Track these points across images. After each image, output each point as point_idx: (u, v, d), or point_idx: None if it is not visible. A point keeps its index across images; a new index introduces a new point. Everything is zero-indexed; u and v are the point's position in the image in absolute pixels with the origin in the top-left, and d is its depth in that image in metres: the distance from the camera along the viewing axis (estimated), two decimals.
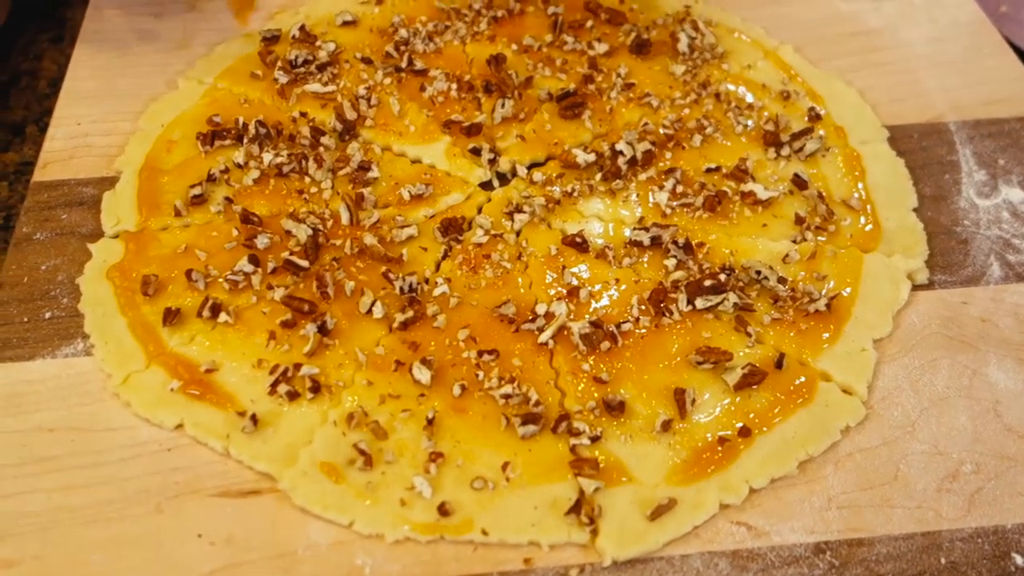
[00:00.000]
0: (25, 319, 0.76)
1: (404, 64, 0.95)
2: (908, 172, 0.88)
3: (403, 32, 0.99)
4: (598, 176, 0.86)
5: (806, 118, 0.91)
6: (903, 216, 0.84)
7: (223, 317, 0.74)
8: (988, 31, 1.03)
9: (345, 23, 1.01)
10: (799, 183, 0.84)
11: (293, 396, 0.70)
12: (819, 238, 0.81)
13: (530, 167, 0.88)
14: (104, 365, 0.73)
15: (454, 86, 0.93)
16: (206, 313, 0.74)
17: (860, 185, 0.86)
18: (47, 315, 0.77)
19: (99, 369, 0.73)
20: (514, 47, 0.98)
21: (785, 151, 0.88)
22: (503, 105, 0.90)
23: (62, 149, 0.90)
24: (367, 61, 0.96)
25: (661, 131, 0.89)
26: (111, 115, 0.93)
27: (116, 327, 0.75)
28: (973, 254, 0.82)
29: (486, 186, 0.87)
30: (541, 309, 0.75)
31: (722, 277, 0.76)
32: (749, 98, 0.93)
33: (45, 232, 0.83)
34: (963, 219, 0.85)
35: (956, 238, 0.84)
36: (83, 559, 0.63)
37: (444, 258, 0.80)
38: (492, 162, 0.88)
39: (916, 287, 0.80)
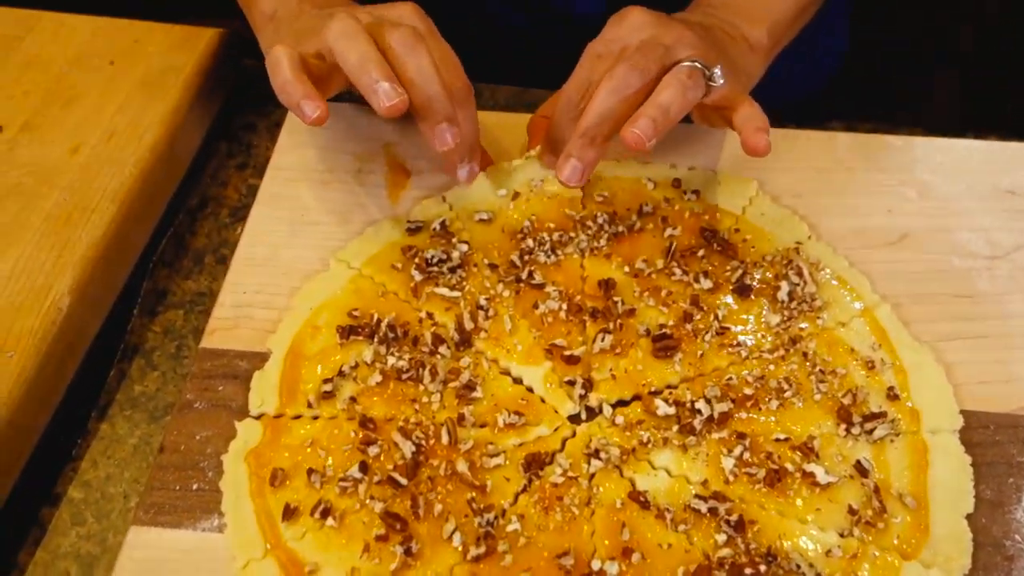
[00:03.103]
0: (177, 487, 0.93)
1: (524, 275, 1.07)
2: (972, 471, 0.92)
3: (529, 242, 1.10)
4: (675, 428, 0.95)
5: (885, 395, 0.97)
6: (955, 522, 0.88)
7: (330, 520, 0.89)
8: None
9: (481, 220, 1.13)
10: (861, 470, 0.91)
11: None
12: (866, 535, 0.87)
13: (616, 404, 0.98)
14: (231, 547, 0.88)
15: (564, 306, 1.04)
16: (317, 515, 0.89)
17: (920, 481, 0.91)
18: (194, 487, 0.93)
19: (226, 548, 0.89)
20: (626, 268, 1.07)
21: (855, 430, 0.94)
22: (603, 339, 1.00)
23: (228, 317, 1.06)
24: (493, 267, 1.08)
25: (743, 388, 0.97)
26: (271, 287, 1.09)
27: (245, 511, 0.90)
28: (1015, 574, 0.86)
29: (574, 417, 0.98)
30: (596, 565, 0.86)
31: (762, 567, 0.84)
32: (834, 363, 0.99)
33: (203, 402, 0.99)
34: (1015, 532, 0.89)
35: (1003, 553, 0.88)
36: None
37: (523, 491, 0.92)
38: (583, 396, 0.98)
39: None
